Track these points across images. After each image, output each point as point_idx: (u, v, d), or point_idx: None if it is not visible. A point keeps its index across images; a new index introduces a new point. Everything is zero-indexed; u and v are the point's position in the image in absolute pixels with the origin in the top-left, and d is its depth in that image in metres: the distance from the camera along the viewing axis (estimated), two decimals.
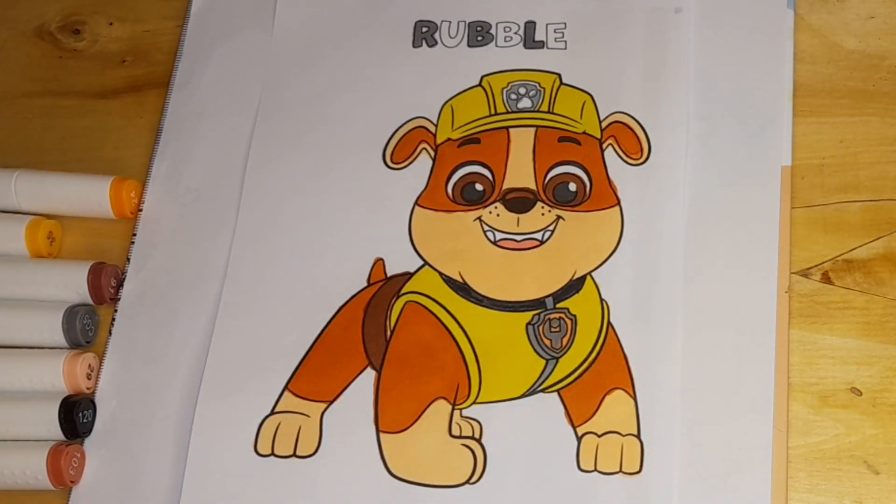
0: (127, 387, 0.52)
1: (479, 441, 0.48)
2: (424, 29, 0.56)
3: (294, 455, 0.49)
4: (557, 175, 0.52)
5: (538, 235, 0.51)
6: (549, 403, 0.48)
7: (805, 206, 0.50)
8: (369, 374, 0.50)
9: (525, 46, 0.55)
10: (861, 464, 0.46)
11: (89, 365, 0.52)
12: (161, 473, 0.49)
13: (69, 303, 0.52)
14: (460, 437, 0.48)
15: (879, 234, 0.49)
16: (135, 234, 0.55)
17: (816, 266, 0.49)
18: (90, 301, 0.53)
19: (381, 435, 0.48)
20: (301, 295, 0.51)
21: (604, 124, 0.53)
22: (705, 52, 0.53)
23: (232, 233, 0.53)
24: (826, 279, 0.49)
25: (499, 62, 0.55)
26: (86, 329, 0.52)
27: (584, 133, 0.53)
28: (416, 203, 0.52)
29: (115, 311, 0.53)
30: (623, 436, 0.47)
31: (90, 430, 0.51)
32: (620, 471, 0.46)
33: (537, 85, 0.54)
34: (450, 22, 0.56)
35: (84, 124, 0.58)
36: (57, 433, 0.50)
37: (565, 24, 0.54)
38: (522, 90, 0.54)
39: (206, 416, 0.50)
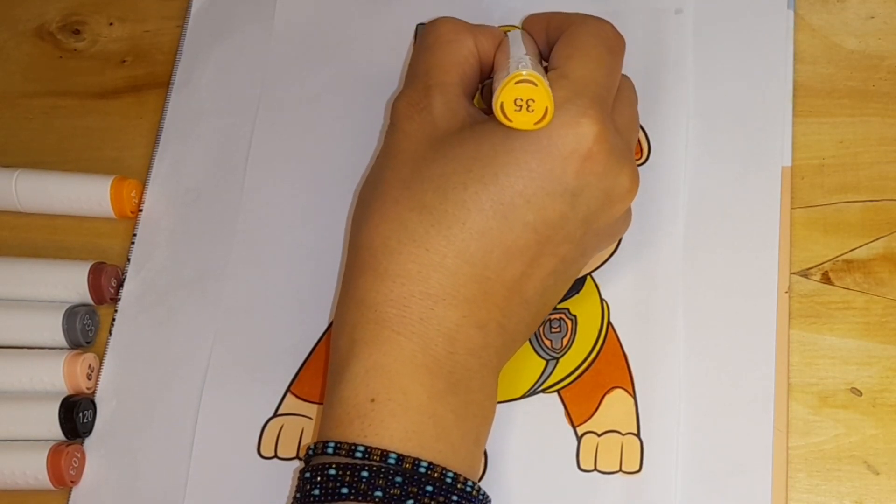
0: (127, 387, 0.52)
1: None
2: None
3: (297, 457, 0.49)
4: None
5: None
6: (549, 403, 0.48)
7: (805, 206, 0.50)
8: None
9: None
10: (861, 464, 0.46)
11: (89, 365, 0.52)
12: (161, 473, 0.49)
13: (69, 303, 0.52)
14: None
15: (879, 234, 0.49)
16: (135, 234, 0.55)
17: (816, 266, 0.49)
18: (90, 301, 0.53)
19: None
20: (302, 296, 0.51)
21: None
22: (705, 52, 0.53)
23: (232, 233, 0.53)
24: (826, 279, 0.49)
25: None
26: (86, 329, 0.52)
27: None
28: None
29: (115, 311, 0.53)
30: (623, 435, 0.47)
31: (90, 430, 0.51)
32: (620, 470, 0.46)
33: None
34: None
35: (84, 124, 0.58)
36: (57, 433, 0.50)
37: None
38: None
39: (209, 418, 0.50)
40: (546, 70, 0.45)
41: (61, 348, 0.52)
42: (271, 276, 0.52)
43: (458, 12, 0.56)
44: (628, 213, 0.47)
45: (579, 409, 0.47)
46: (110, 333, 0.53)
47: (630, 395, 0.47)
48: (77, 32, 0.61)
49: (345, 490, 0.39)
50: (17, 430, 0.50)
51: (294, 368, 0.50)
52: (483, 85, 0.50)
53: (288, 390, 0.50)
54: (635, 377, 0.48)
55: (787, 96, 0.51)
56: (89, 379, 0.52)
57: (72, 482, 0.50)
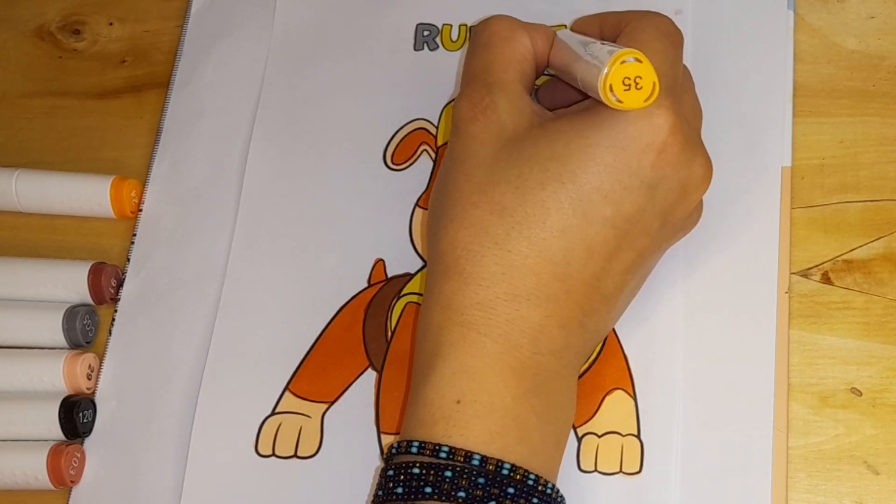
0: (127, 387, 0.52)
1: None
2: (426, 32, 0.56)
3: (295, 456, 0.49)
4: None
5: None
6: None
7: (805, 207, 0.50)
8: (370, 375, 0.50)
9: None
10: (861, 464, 0.46)
11: (89, 365, 0.52)
12: (161, 473, 0.49)
13: (69, 303, 0.52)
14: None
15: (879, 234, 0.49)
16: (135, 234, 0.55)
17: (816, 266, 0.49)
18: (90, 301, 0.53)
19: (382, 436, 0.48)
20: (301, 295, 0.51)
21: None
22: (705, 52, 0.53)
23: (232, 233, 0.53)
24: (826, 279, 0.49)
25: None
26: (86, 329, 0.52)
27: None
28: (416, 204, 0.52)
29: (115, 311, 0.53)
30: (623, 436, 0.47)
31: (90, 430, 0.51)
32: (620, 471, 0.46)
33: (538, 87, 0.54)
34: (451, 25, 0.56)
35: (84, 124, 0.58)
36: (57, 433, 0.50)
37: (566, 26, 0.54)
38: None
39: (206, 416, 0.50)
40: None
41: (61, 348, 0.52)
42: (270, 276, 0.52)
43: (456, 13, 0.56)
44: (700, 205, 0.47)
45: (580, 410, 0.47)
46: (110, 333, 0.53)
47: (630, 396, 0.47)
48: (77, 32, 0.61)
49: (428, 489, 0.39)
50: (17, 430, 0.50)
51: (293, 367, 0.50)
52: (537, 87, 0.50)
53: (286, 388, 0.50)
54: (635, 378, 0.48)
55: (787, 96, 0.51)
56: (89, 379, 0.52)
57: (72, 482, 0.50)
